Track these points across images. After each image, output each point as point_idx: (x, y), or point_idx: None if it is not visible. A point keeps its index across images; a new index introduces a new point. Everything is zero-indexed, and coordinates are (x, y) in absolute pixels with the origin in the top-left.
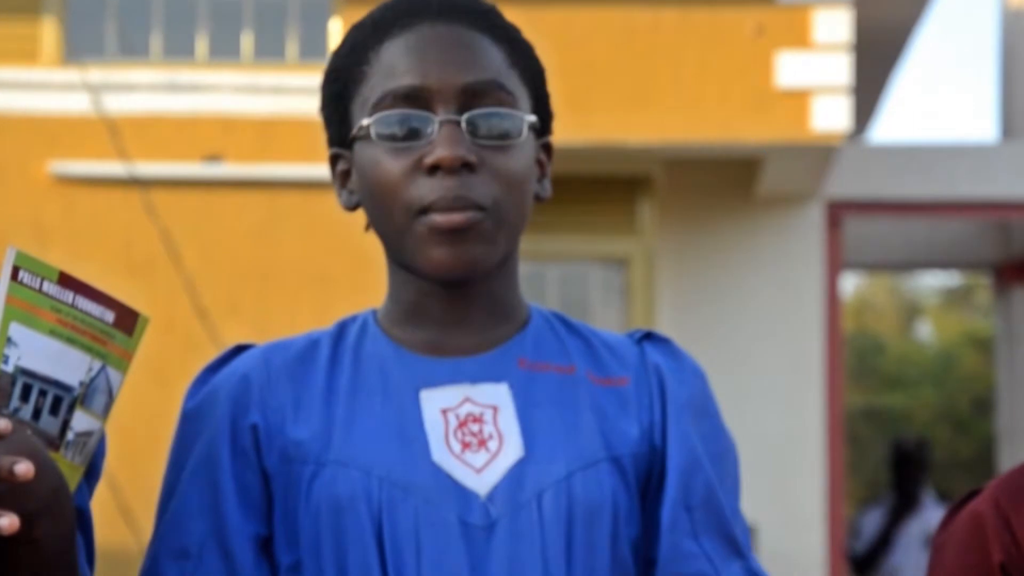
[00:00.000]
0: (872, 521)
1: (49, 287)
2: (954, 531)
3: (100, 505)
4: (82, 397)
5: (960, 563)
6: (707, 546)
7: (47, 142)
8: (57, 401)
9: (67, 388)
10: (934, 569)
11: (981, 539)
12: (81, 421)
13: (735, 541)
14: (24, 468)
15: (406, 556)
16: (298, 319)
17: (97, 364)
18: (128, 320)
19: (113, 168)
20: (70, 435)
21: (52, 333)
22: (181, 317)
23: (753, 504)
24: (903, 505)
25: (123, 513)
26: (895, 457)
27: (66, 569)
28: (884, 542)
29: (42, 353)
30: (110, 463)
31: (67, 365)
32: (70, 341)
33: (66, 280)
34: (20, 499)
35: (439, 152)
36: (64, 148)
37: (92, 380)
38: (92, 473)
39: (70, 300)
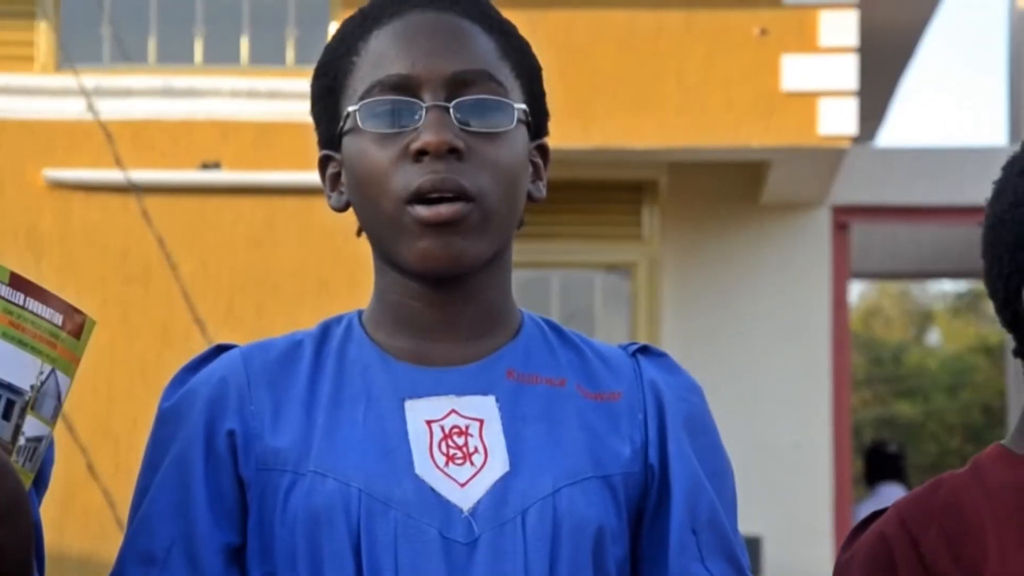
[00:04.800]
0: None
1: (1, 288)
2: (858, 552)
3: (98, 517)
4: (33, 401)
5: None
6: (714, 569)
7: (42, 149)
8: (9, 405)
9: (18, 392)
10: None
11: (888, 563)
12: (32, 426)
13: (738, 563)
14: None
15: (384, 571)
16: (296, 327)
17: (47, 368)
18: (76, 323)
19: (109, 175)
20: (21, 440)
21: (4, 335)
22: (178, 325)
23: (760, 514)
24: None
25: (120, 525)
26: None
27: None
28: None
29: None
30: (107, 475)
31: (19, 368)
32: (21, 344)
33: (17, 281)
34: None
35: (425, 137)
36: (59, 155)
37: (42, 384)
38: (40, 481)
39: (21, 301)
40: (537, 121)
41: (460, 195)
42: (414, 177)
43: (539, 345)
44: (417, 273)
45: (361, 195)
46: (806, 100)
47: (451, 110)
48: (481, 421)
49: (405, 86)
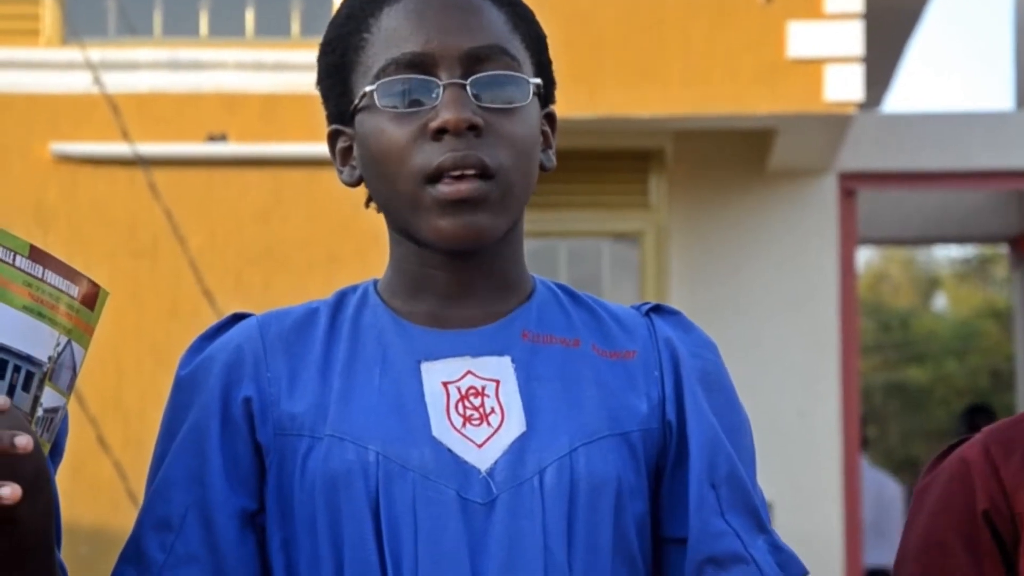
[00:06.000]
0: None
1: (21, 261)
2: (939, 474)
3: (108, 489)
4: (50, 373)
5: (942, 506)
6: (734, 523)
7: (48, 122)
8: (29, 377)
9: (37, 363)
10: (915, 510)
11: (967, 485)
12: (49, 397)
13: (758, 515)
14: (25, 441)
15: (403, 533)
16: (305, 299)
17: (64, 339)
18: (91, 294)
19: (115, 148)
20: (39, 411)
21: (24, 308)
22: (186, 299)
23: (769, 481)
24: None
25: (131, 497)
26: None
27: (45, 550)
28: None
29: (16, 328)
30: (117, 447)
31: (38, 340)
32: (40, 316)
33: (36, 254)
34: (4, 476)
35: (445, 115)
36: (66, 128)
37: (59, 355)
38: (56, 451)
39: (40, 274)
40: (546, 90)
41: (481, 171)
42: (434, 155)
43: (552, 307)
44: (437, 249)
45: (377, 172)
46: (812, 67)
47: (468, 87)
48: (497, 382)
49: (420, 64)
